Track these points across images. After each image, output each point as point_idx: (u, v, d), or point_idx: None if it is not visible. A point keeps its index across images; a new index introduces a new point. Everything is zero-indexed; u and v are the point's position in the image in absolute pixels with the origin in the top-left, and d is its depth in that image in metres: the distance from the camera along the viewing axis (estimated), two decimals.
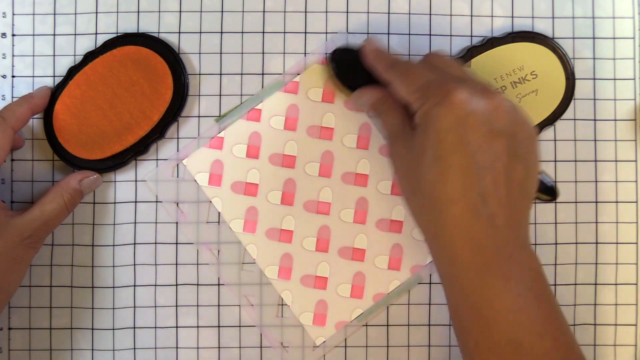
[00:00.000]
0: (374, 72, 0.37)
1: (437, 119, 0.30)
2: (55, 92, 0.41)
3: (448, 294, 0.31)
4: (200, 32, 0.42)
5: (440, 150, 0.30)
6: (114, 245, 0.42)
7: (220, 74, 0.42)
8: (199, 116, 0.42)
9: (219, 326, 0.42)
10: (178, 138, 0.42)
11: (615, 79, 0.43)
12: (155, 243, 0.42)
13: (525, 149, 0.32)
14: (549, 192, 0.39)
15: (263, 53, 0.42)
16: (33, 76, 0.42)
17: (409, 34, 0.43)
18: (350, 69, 0.40)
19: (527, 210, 0.32)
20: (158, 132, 0.41)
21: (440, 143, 0.30)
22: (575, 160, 0.43)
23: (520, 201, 0.31)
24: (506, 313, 0.29)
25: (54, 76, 0.42)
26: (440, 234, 0.30)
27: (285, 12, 0.42)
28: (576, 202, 0.43)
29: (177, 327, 0.42)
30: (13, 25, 0.42)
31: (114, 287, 0.42)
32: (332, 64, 0.41)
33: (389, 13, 0.43)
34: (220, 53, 0.42)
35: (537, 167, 0.33)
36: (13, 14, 0.42)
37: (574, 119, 0.43)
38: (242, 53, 0.42)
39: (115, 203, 0.42)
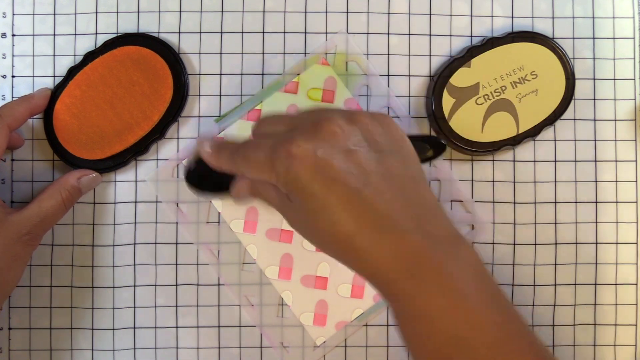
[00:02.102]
0: (226, 171, 0.35)
1: (296, 179, 0.30)
2: (55, 92, 0.41)
3: (393, 311, 0.31)
4: (200, 32, 0.42)
5: (315, 203, 0.30)
6: (114, 245, 0.42)
7: (220, 74, 0.42)
8: (199, 116, 0.42)
9: (219, 326, 0.42)
10: (178, 138, 0.42)
11: (615, 79, 0.43)
12: (155, 243, 0.42)
13: (385, 139, 0.31)
14: (430, 145, 0.39)
15: (263, 53, 0.42)
16: (33, 76, 0.42)
17: (409, 34, 0.43)
18: (209, 177, 0.37)
19: (430, 197, 0.31)
20: (158, 132, 0.41)
21: (312, 197, 0.30)
22: (575, 160, 0.43)
23: (416, 191, 0.31)
24: (444, 311, 0.29)
25: (54, 76, 0.42)
26: (364, 267, 0.30)
27: (285, 12, 0.42)
28: (576, 202, 0.43)
29: (177, 327, 0.42)
30: (13, 25, 0.42)
31: (114, 287, 0.42)
32: (191, 187, 0.38)
33: (389, 13, 0.43)
34: (220, 53, 0.42)
35: (405, 146, 0.32)
36: (13, 14, 0.42)
37: (574, 119, 0.43)
38: (242, 53, 0.42)
39: (115, 203, 0.42)
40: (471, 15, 0.43)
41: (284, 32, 0.42)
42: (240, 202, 0.35)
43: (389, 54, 0.43)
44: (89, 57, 0.41)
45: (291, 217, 0.32)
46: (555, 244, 0.43)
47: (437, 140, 0.40)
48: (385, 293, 0.30)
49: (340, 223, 0.29)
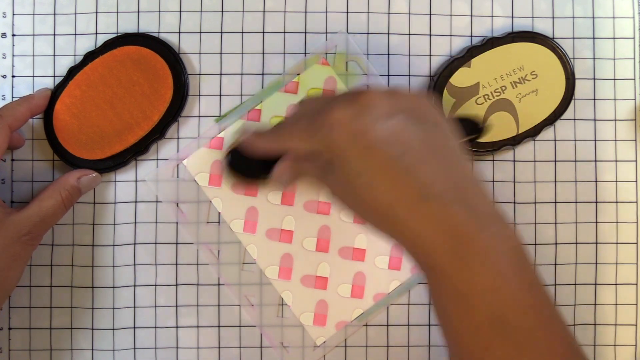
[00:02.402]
0: (268, 155, 0.36)
1: (334, 145, 0.30)
2: (55, 92, 0.41)
3: (429, 283, 0.31)
4: (200, 32, 0.42)
5: (354, 169, 0.30)
6: (114, 245, 0.42)
7: (220, 74, 0.42)
8: (199, 116, 0.42)
9: (219, 326, 0.42)
10: (178, 138, 0.42)
11: (615, 79, 0.43)
12: (155, 243, 0.42)
13: (425, 113, 0.31)
14: (471, 127, 0.38)
15: (263, 53, 0.42)
16: (33, 76, 0.42)
17: (409, 34, 0.43)
18: (248, 165, 0.39)
19: (472, 172, 0.31)
20: (158, 132, 0.41)
21: (351, 163, 0.30)
22: (575, 160, 0.43)
23: (458, 164, 0.30)
24: (486, 292, 0.28)
25: (54, 76, 0.42)
26: (405, 237, 0.30)
27: (285, 12, 0.42)
28: (576, 202, 0.43)
29: (177, 327, 0.42)
30: (13, 25, 0.42)
31: (114, 287, 0.42)
32: (234, 174, 0.40)
33: (389, 13, 0.43)
34: (220, 53, 0.42)
35: (445, 121, 0.32)
36: (13, 14, 0.42)
37: (574, 119, 0.43)
38: (242, 53, 0.42)
39: (115, 203, 0.42)
40: (471, 15, 0.43)
41: (284, 32, 0.42)
42: (282, 185, 0.36)
43: (389, 54, 0.43)
44: (89, 57, 0.41)
45: (332, 186, 0.32)
46: (555, 244, 0.43)
47: (477, 122, 0.39)
48: (423, 265, 0.30)
49: (379, 190, 0.29)
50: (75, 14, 0.42)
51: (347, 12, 0.43)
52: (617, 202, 0.43)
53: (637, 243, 0.43)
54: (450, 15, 0.43)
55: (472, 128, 0.39)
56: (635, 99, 0.43)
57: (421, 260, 0.30)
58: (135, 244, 0.42)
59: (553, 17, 0.43)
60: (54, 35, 0.42)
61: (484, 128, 0.40)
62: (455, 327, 0.30)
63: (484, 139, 0.41)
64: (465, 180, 0.30)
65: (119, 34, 0.42)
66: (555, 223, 0.43)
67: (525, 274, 0.29)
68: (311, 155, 0.32)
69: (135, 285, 0.42)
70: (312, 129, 0.31)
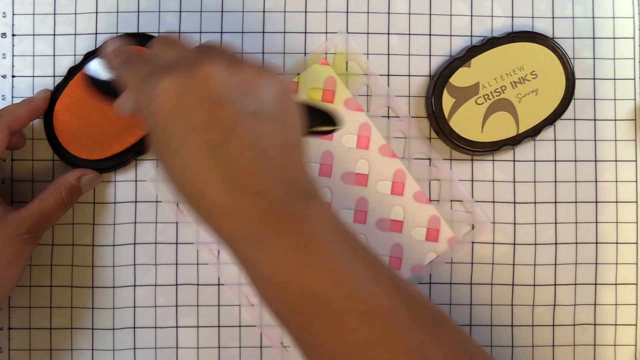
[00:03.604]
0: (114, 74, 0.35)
1: (157, 117, 0.29)
2: (56, 92, 0.41)
3: (244, 271, 0.30)
4: (200, 32, 0.42)
5: (172, 143, 0.28)
6: (114, 245, 0.42)
7: None
8: None
9: (219, 326, 0.42)
10: None
11: (615, 79, 0.43)
12: (155, 243, 0.42)
13: (266, 98, 0.29)
14: (324, 119, 0.36)
15: (263, 53, 0.42)
16: (33, 76, 0.42)
17: (409, 34, 0.43)
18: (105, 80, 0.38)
19: (300, 167, 0.30)
20: None
21: (170, 139, 0.28)
22: (575, 160, 0.43)
23: (282, 156, 0.29)
24: (293, 271, 0.28)
25: (54, 76, 0.42)
26: (210, 220, 0.29)
27: (285, 12, 0.42)
28: (576, 202, 0.43)
29: (177, 327, 0.42)
30: (13, 25, 0.42)
31: (114, 287, 0.42)
32: (88, 79, 0.39)
33: (389, 13, 0.43)
34: None
35: (287, 110, 0.30)
36: (13, 14, 0.42)
37: (574, 119, 0.43)
38: (242, 53, 0.42)
39: (115, 203, 0.42)
40: (471, 15, 0.43)
41: (284, 32, 0.42)
42: (124, 113, 0.34)
43: (389, 54, 0.43)
44: (89, 57, 0.41)
45: (155, 147, 0.30)
46: (555, 244, 0.43)
47: (332, 116, 0.37)
48: (234, 253, 0.29)
49: (192, 171, 0.28)
50: (75, 14, 0.42)
51: (347, 12, 0.43)
52: (617, 202, 0.43)
53: (637, 243, 0.43)
54: (450, 15, 0.43)
55: (324, 119, 0.37)
56: (635, 99, 0.43)
57: (231, 248, 0.29)
58: (135, 244, 0.42)
59: (553, 17, 0.43)
60: (54, 35, 0.42)
61: (337, 122, 0.37)
62: (275, 311, 0.29)
63: (484, 139, 0.41)
64: (282, 174, 0.29)
65: (119, 34, 0.42)
66: (555, 223, 0.43)
67: (336, 246, 0.28)
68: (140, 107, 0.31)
69: (135, 285, 0.42)
70: (142, 88, 0.29)
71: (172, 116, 0.28)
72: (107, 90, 0.39)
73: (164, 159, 0.29)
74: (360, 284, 0.28)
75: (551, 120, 0.42)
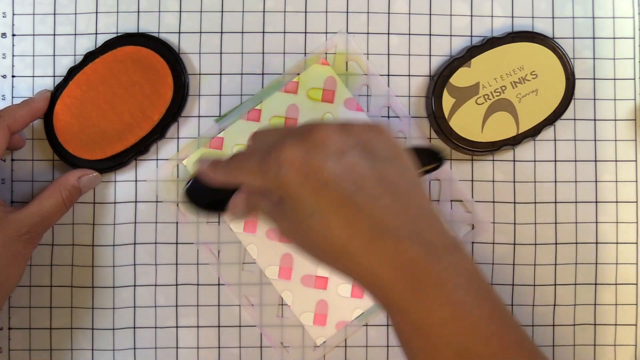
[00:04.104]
0: (225, 186, 0.35)
1: (286, 185, 0.30)
2: (56, 92, 0.41)
3: (392, 320, 0.30)
4: (200, 32, 0.42)
5: (307, 209, 0.29)
6: (114, 245, 0.42)
7: (220, 74, 0.42)
8: (199, 116, 0.42)
9: (219, 326, 0.42)
10: (178, 138, 0.42)
11: (615, 79, 0.43)
12: (155, 243, 0.42)
13: (380, 147, 0.31)
14: (430, 158, 0.38)
15: (263, 53, 0.42)
16: (33, 76, 0.42)
17: (409, 34, 0.43)
18: (207, 196, 0.38)
19: (427, 205, 0.31)
20: (158, 132, 0.41)
21: (303, 203, 0.29)
22: (575, 160, 0.43)
23: (413, 197, 0.30)
24: (445, 324, 0.28)
25: (54, 76, 0.42)
26: (361, 275, 0.30)
27: (285, 12, 0.42)
28: (576, 202, 0.43)
29: (177, 327, 0.42)
30: (13, 25, 0.42)
31: (114, 287, 0.42)
32: (191, 205, 0.38)
33: (389, 13, 0.43)
34: (220, 53, 0.42)
35: (401, 154, 0.31)
36: (13, 14, 0.42)
37: (574, 119, 0.43)
38: (242, 53, 0.42)
39: (115, 203, 0.42)
40: (471, 15, 0.43)
41: (284, 32, 0.42)
42: (237, 218, 0.35)
43: (389, 54, 0.43)
44: (89, 57, 0.41)
45: (284, 226, 0.32)
46: (555, 244, 0.43)
47: (437, 153, 0.39)
48: (383, 302, 0.30)
49: (332, 228, 0.29)
50: (75, 14, 0.42)
51: (347, 12, 0.43)
52: (617, 202, 0.43)
53: (637, 243, 0.43)
54: (450, 15, 0.43)
55: (431, 157, 0.39)
56: (635, 99, 0.43)
57: (379, 297, 0.30)
58: (135, 244, 0.42)
59: (553, 17, 0.43)
60: (54, 35, 0.42)
61: (442, 158, 0.39)
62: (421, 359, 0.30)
63: (484, 139, 0.41)
64: (419, 214, 0.30)
65: (119, 34, 0.42)
66: (555, 223, 0.43)
67: (485, 302, 0.29)
68: (264, 191, 0.32)
69: (135, 285, 0.42)
70: (263, 167, 0.31)
71: (301, 180, 0.29)
72: (209, 204, 0.39)
73: (299, 225, 0.30)
74: (508, 346, 0.29)
75: (551, 120, 0.42)
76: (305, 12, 0.43)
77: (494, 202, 0.43)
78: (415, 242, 0.28)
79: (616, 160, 0.43)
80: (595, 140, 0.43)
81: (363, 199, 0.29)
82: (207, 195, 0.38)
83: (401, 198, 0.30)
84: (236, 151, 0.34)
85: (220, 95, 0.42)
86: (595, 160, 0.43)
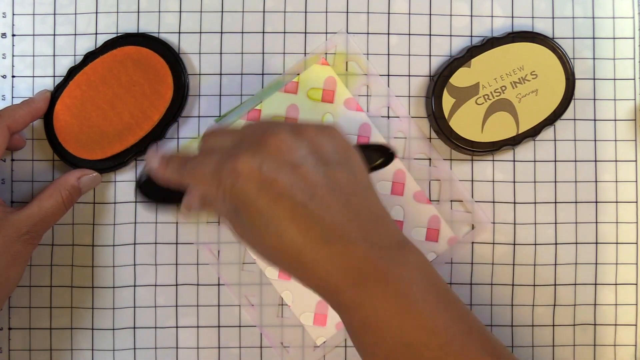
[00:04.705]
0: (176, 187, 0.35)
1: (241, 195, 0.30)
2: (56, 92, 0.41)
3: (343, 320, 0.31)
4: (200, 32, 0.42)
5: (262, 218, 0.30)
6: (114, 245, 0.42)
7: (220, 74, 0.42)
8: (199, 116, 0.42)
9: (219, 326, 0.42)
10: (178, 138, 0.42)
11: (615, 79, 0.43)
12: (155, 243, 0.42)
13: (331, 150, 0.31)
14: (379, 153, 0.38)
15: (263, 53, 0.42)
16: (33, 76, 0.42)
17: (409, 34, 0.43)
18: (160, 191, 0.38)
19: (377, 207, 0.31)
20: (158, 132, 0.41)
21: (258, 212, 0.30)
22: (575, 160, 0.43)
23: (363, 201, 0.31)
24: (392, 317, 0.29)
25: (54, 76, 0.42)
26: (312, 279, 0.30)
27: (285, 12, 0.42)
28: (576, 202, 0.43)
29: (177, 327, 0.42)
30: (13, 25, 0.42)
31: (114, 287, 0.42)
32: (143, 198, 0.39)
33: (389, 13, 0.43)
34: (220, 53, 0.42)
35: (352, 156, 0.32)
36: (13, 14, 0.42)
37: (574, 119, 0.43)
38: (242, 53, 0.42)
39: (115, 203, 0.42)
40: (471, 15, 0.43)
41: (284, 32, 0.42)
42: (191, 215, 0.35)
43: (389, 54, 0.43)
44: (89, 57, 0.41)
45: (239, 231, 0.32)
46: (555, 244, 0.43)
47: (386, 148, 0.39)
48: (334, 304, 0.31)
49: (287, 236, 0.29)
50: (75, 14, 0.42)
51: (347, 12, 0.43)
52: (617, 202, 0.43)
53: (637, 243, 0.43)
54: (450, 15, 0.43)
55: (380, 153, 0.38)
56: (635, 99, 0.43)
57: (331, 301, 0.31)
58: (135, 244, 0.42)
59: (553, 17, 0.43)
60: (54, 35, 0.42)
61: (391, 153, 0.39)
62: (369, 356, 0.31)
63: (484, 139, 0.41)
64: (369, 217, 0.30)
65: (119, 34, 0.42)
66: (555, 223, 0.43)
67: (432, 294, 0.30)
68: (218, 197, 0.32)
69: (135, 285, 0.42)
70: (218, 177, 0.31)
71: (257, 191, 0.29)
72: (162, 199, 0.39)
73: (256, 233, 0.30)
74: (454, 336, 0.29)
75: (551, 120, 0.42)
76: (305, 12, 0.43)
77: (494, 202, 0.43)
78: (363, 243, 0.29)
79: (616, 160, 0.43)
80: (595, 140, 0.43)
81: (315, 207, 0.29)
82: (161, 190, 0.37)
83: (351, 203, 0.30)
84: (183, 151, 0.34)
85: (220, 95, 0.42)
86: (595, 160, 0.43)
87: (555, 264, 0.43)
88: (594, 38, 0.43)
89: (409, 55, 0.43)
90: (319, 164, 0.30)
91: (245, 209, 0.30)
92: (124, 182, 0.42)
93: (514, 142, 0.42)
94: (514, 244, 0.43)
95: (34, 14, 0.42)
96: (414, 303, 0.29)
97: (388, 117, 0.43)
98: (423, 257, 0.31)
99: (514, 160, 0.43)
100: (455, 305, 0.31)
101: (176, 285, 0.42)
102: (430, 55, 0.43)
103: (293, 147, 0.30)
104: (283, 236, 0.29)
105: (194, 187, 0.33)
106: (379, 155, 0.38)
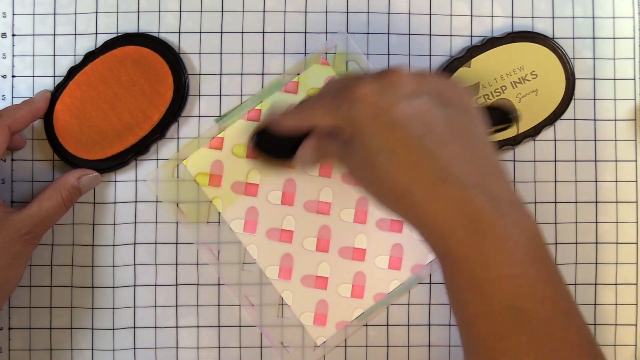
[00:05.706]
0: (295, 131, 0.36)
1: (356, 120, 0.30)
2: (56, 92, 0.41)
3: (444, 270, 0.30)
4: (200, 32, 0.42)
5: (374, 146, 0.29)
6: (114, 245, 0.42)
7: (220, 74, 0.42)
8: (199, 116, 0.42)
9: (219, 326, 0.42)
10: (178, 138, 0.42)
11: (615, 79, 0.43)
12: (155, 243, 0.42)
13: (453, 96, 0.31)
14: (500, 117, 0.38)
15: (263, 53, 0.42)
16: (33, 76, 0.42)
17: (409, 34, 0.43)
18: (275, 144, 0.39)
19: (495, 159, 0.31)
20: (158, 132, 0.41)
21: (371, 139, 0.29)
22: (575, 160, 0.43)
23: (482, 149, 0.30)
24: (504, 280, 0.28)
25: (54, 76, 0.42)
26: (421, 221, 0.29)
27: (285, 12, 0.42)
28: (576, 202, 0.43)
29: (177, 327, 0.42)
30: (13, 25, 0.42)
31: (114, 287, 0.42)
32: (261, 153, 0.40)
33: (389, 13, 0.43)
34: (220, 53, 0.42)
35: (473, 106, 0.32)
36: (13, 14, 0.42)
37: (574, 119, 0.43)
38: (242, 53, 0.42)
39: (115, 203, 0.42)
40: (471, 15, 0.43)
41: (284, 32, 0.42)
42: (306, 165, 0.36)
43: (389, 54, 0.43)
44: (89, 57, 0.41)
45: (351, 165, 0.32)
46: (555, 244, 0.43)
47: (508, 112, 0.38)
48: (438, 250, 0.29)
49: (398, 168, 0.29)
50: (75, 14, 0.42)
51: (347, 12, 0.43)
52: (617, 202, 0.43)
53: (637, 243, 0.43)
54: (450, 15, 0.43)
55: (501, 117, 0.38)
56: (635, 99, 0.43)
57: (436, 245, 0.29)
58: (135, 244, 0.42)
59: (553, 17, 0.43)
60: (54, 35, 0.42)
61: (514, 118, 0.38)
62: (470, 315, 0.29)
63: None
64: (487, 166, 0.29)
65: (119, 34, 0.42)
66: (555, 223, 0.43)
67: (542, 265, 0.29)
68: (334, 131, 0.32)
69: (135, 285, 0.42)
70: (335, 103, 0.31)
71: (372, 117, 0.29)
72: (277, 153, 0.40)
73: (366, 163, 0.30)
74: (558, 311, 0.28)
75: (551, 120, 0.42)
76: (305, 12, 0.43)
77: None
78: (481, 192, 0.28)
79: (616, 160, 0.43)
80: (595, 140, 0.43)
81: (431, 143, 0.29)
82: (275, 145, 0.39)
83: (469, 148, 0.29)
84: (304, 98, 0.35)
85: (220, 95, 0.42)
86: (595, 160, 0.43)
87: (556, 264, 0.43)
88: (594, 38, 0.43)
89: (409, 55, 0.43)
90: (439, 105, 0.30)
91: (359, 135, 0.30)
92: (124, 182, 0.42)
93: (514, 142, 0.42)
94: None
95: (34, 14, 0.42)
96: (527, 270, 0.28)
97: None
98: (535, 223, 0.30)
99: (514, 160, 0.43)
100: (561, 280, 0.30)
101: (176, 285, 0.42)
102: (430, 55, 0.43)
103: (414, 83, 0.30)
104: (393, 168, 0.29)
105: (311, 119, 0.33)
106: (500, 119, 0.38)
